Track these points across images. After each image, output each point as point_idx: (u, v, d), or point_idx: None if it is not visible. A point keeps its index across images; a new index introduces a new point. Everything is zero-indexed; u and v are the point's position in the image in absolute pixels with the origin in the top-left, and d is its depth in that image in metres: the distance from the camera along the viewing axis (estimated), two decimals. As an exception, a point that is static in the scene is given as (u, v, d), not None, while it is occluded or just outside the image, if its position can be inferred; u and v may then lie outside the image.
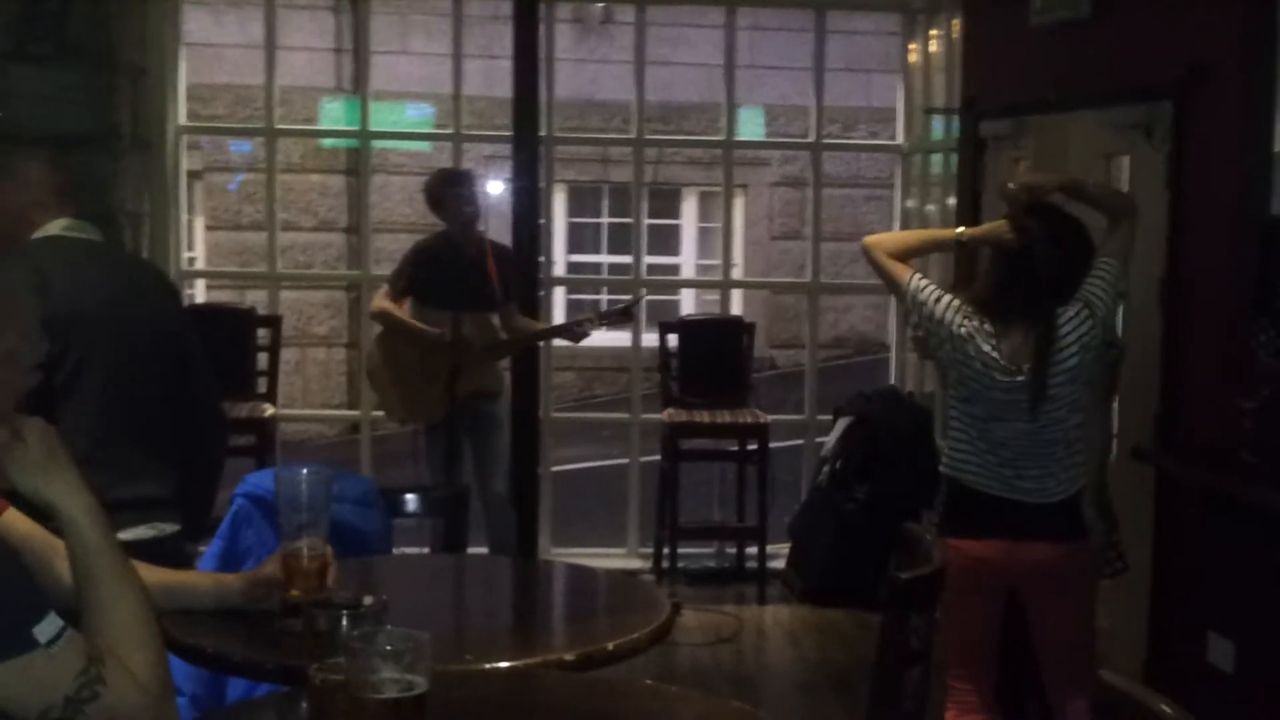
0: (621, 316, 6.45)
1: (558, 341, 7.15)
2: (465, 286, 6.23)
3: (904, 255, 4.12)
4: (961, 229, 4.18)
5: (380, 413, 7.53)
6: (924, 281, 4.02)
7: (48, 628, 1.75)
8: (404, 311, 6.41)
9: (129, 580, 1.93)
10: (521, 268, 6.71)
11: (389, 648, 1.92)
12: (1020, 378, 3.84)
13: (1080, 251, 3.95)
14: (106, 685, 1.77)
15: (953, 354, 3.93)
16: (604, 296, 13.83)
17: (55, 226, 3.41)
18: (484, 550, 6.37)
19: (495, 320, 6.40)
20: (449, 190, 6.43)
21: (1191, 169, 4.86)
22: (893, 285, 4.09)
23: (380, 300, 6.51)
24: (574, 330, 6.40)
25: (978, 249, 4.17)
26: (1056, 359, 3.83)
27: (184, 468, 3.50)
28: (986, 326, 3.89)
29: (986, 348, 3.87)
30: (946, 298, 3.95)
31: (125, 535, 3.22)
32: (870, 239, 4.18)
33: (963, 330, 3.89)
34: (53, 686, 1.75)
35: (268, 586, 2.66)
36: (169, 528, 3.40)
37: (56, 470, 1.95)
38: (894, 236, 4.26)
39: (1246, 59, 4.59)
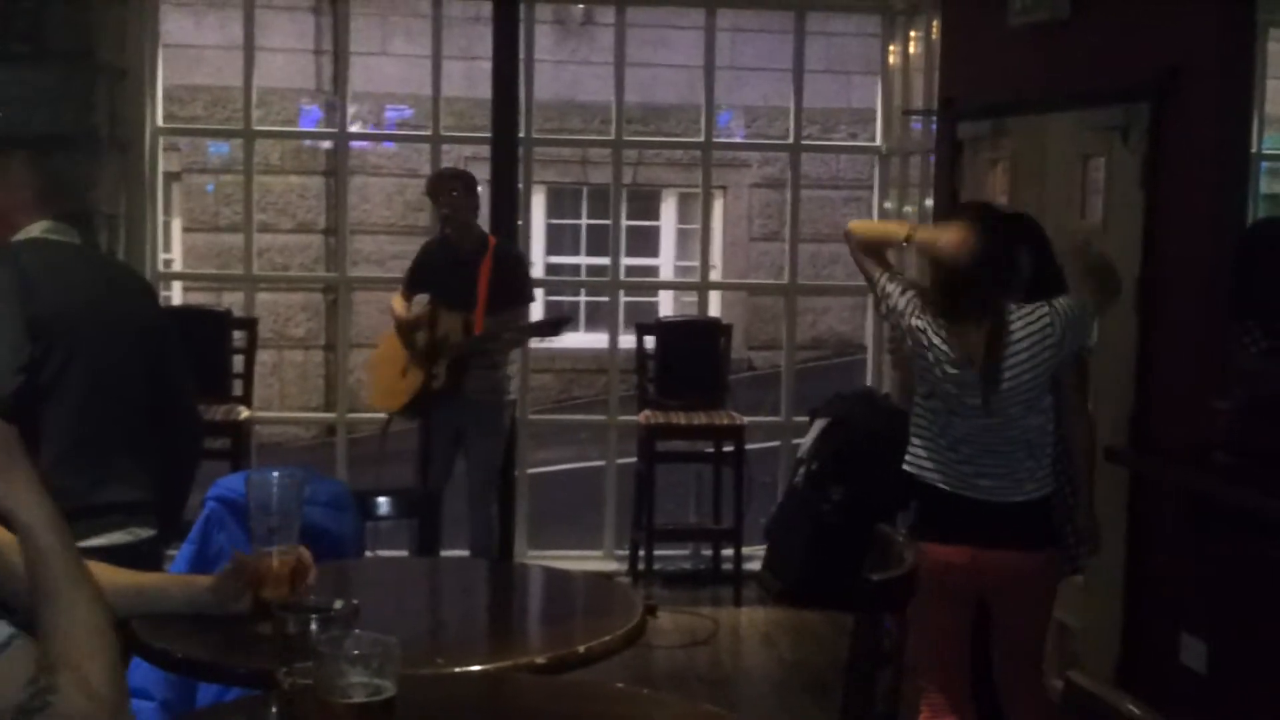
0: (550, 328, 6.43)
1: (535, 343, 7.15)
2: (447, 284, 6.23)
3: (865, 248, 4.14)
4: (909, 230, 4.18)
5: (355, 415, 7.56)
6: (892, 275, 4.09)
7: None
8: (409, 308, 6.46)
9: (85, 587, 1.89)
10: (528, 272, 6.72)
11: (357, 652, 1.91)
12: (972, 371, 3.88)
13: (1029, 245, 4.05)
14: (58, 694, 1.73)
15: (912, 347, 3.98)
16: (582, 298, 13.84)
17: (36, 229, 3.40)
18: (462, 553, 6.36)
19: (468, 322, 6.32)
20: (436, 190, 6.47)
21: (1167, 171, 4.87)
22: (867, 277, 4.12)
23: (395, 296, 6.61)
24: (503, 339, 6.35)
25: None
26: (1008, 353, 3.86)
27: (160, 469, 3.49)
28: (940, 319, 3.93)
29: (937, 340, 3.92)
30: (910, 292, 4.02)
31: (102, 540, 3.21)
32: (853, 224, 4.28)
33: (917, 323, 3.94)
34: (2, 694, 1.72)
35: (233, 584, 2.64)
36: (146, 532, 3.39)
37: (14, 474, 1.91)
38: (864, 227, 4.31)
39: (1223, 61, 4.61)
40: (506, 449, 6.74)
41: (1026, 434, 3.94)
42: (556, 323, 6.47)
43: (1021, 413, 3.91)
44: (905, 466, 4.10)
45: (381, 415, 6.74)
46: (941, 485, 3.99)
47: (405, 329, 6.37)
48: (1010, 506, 3.94)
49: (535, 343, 7.08)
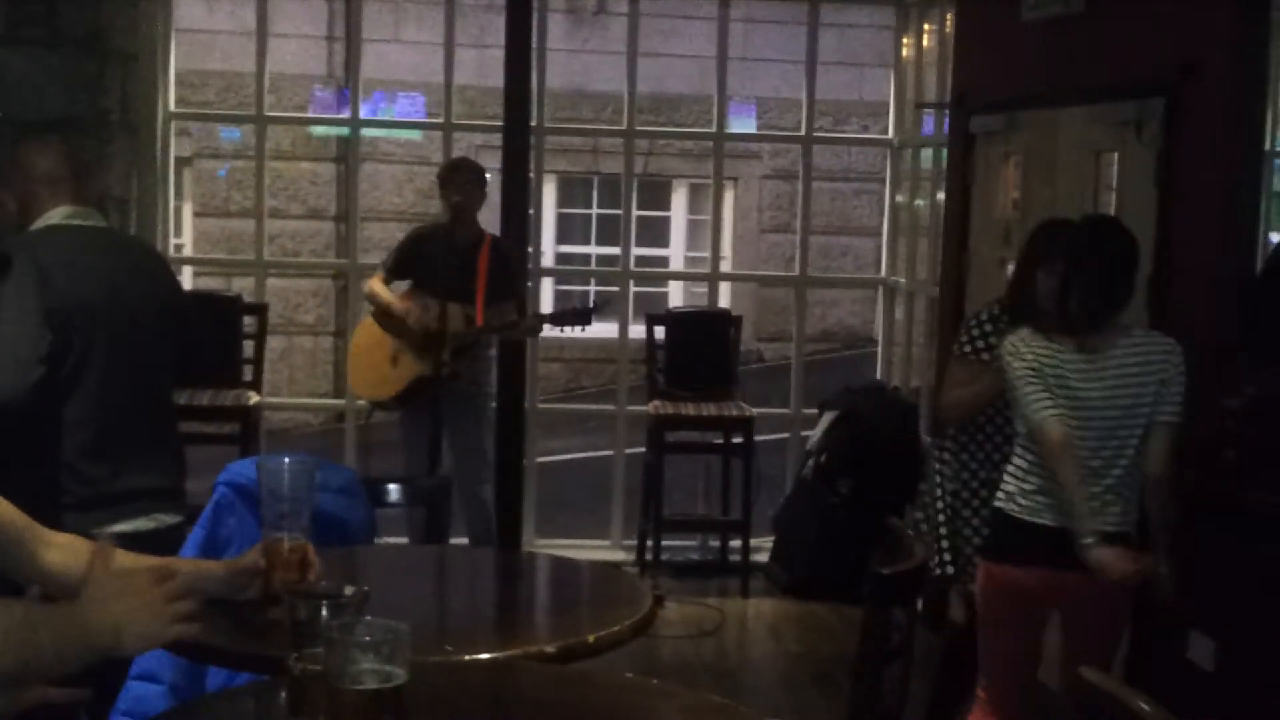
0: (575, 317, 6.32)
1: (545, 332, 7.11)
2: (448, 275, 6.17)
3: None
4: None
5: (363, 402, 7.55)
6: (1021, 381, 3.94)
7: None
8: (394, 293, 6.42)
9: None
10: (520, 265, 6.67)
11: (368, 638, 1.91)
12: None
13: (1124, 266, 3.94)
14: None
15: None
16: (592, 288, 13.82)
17: (57, 215, 3.40)
18: (461, 540, 6.35)
19: (469, 314, 6.29)
20: (442, 177, 6.47)
21: (1181, 167, 4.86)
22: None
23: (373, 281, 6.53)
24: (522, 328, 6.33)
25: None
26: (1104, 367, 3.82)
27: None
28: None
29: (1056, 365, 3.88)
30: (1030, 376, 3.89)
31: (126, 526, 3.23)
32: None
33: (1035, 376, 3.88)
34: None
35: (249, 575, 2.64)
36: (170, 519, 3.40)
37: None
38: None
39: (1237, 56, 4.59)
40: (515, 437, 6.73)
41: (1115, 464, 3.84)
42: (585, 312, 6.38)
43: (1110, 436, 3.84)
44: (999, 504, 4.00)
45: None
46: (1032, 517, 3.90)
47: (406, 321, 6.29)
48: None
49: (555, 331, 6.98)
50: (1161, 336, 3.95)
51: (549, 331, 6.63)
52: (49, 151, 3.48)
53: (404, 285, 6.51)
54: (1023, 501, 3.90)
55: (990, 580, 4.00)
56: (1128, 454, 3.84)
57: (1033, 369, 3.85)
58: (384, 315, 6.39)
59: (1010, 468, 3.99)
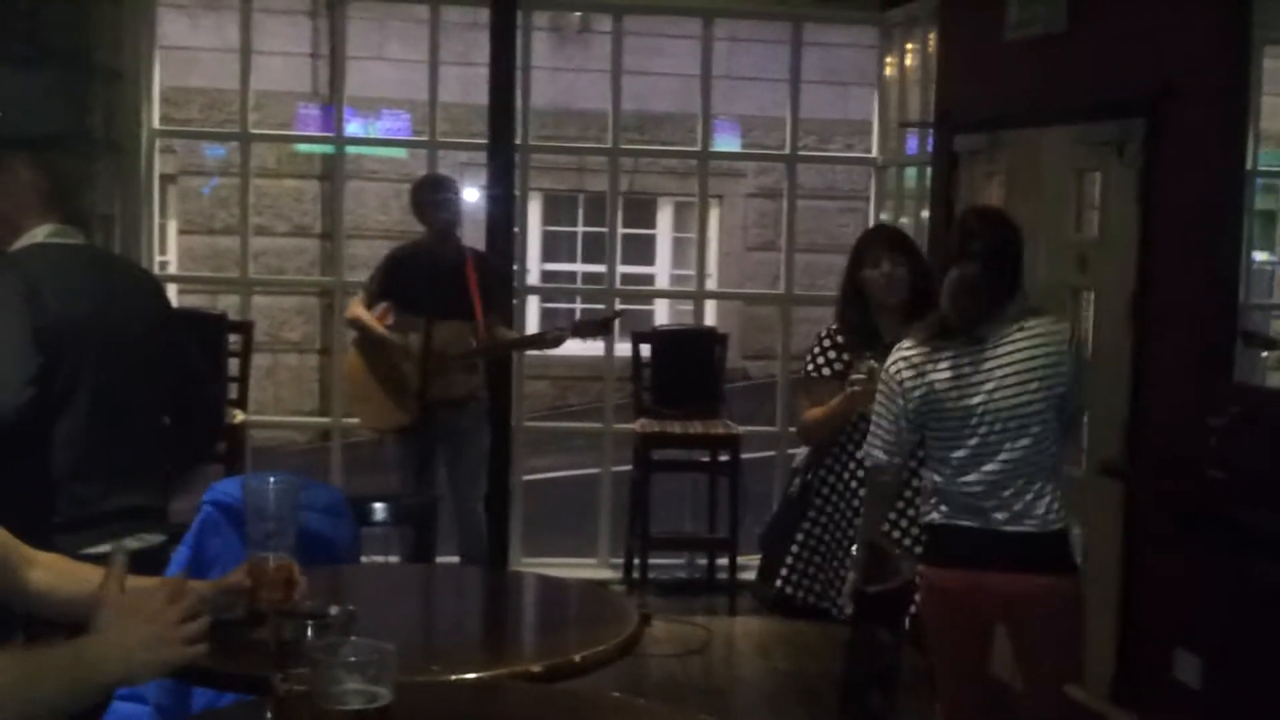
0: (598, 328, 6.37)
1: (531, 349, 7.14)
2: (441, 294, 6.19)
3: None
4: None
5: (351, 420, 7.52)
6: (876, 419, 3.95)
7: None
8: (378, 317, 6.39)
9: None
10: (504, 277, 6.68)
11: (353, 658, 1.91)
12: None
13: (1001, 259, 3.80)
14: None
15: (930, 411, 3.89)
16: (578, 305, 13.83)
17: (41, 233, 3.38)
18: (451, 558, 6.34)
19: (471, 329, 6.33)
20: (427, 196, 6.44)
21: (1163, 186, 4.88)
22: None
23: (354, 307, 6.49)
24: (547, 339, 6.38)
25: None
26: (990, 365, 3.77)
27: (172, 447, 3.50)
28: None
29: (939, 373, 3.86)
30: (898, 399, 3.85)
31: (112, 546, 3.20)
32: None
33: (922, 387, 3.83)
34: None
35: (234, 595, 2.63)
36: (155, 538, 3.38)
37: None
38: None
39: (1219, 77, 4.62)
40: (502, 455, 6.74)
41: (1021, 462, 3.74)
42: (606, 321, 6.41)
43: (1011, 431, 3.74)
44: (925, 514, 3.88)
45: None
46: (952, 520, 3.78)
47: (395, 346, 6.28)
48: (1018, 535, 3.72)
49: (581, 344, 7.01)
50: (1054, 323, 3.81)
51: (535, 349, 6.67)
52: (34, 169, 3.47)
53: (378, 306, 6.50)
54: (944, 507, 3.79)
55: (925, 586, 3.79)
56: (1031, 448, 3.71)
57: (901, 393, 3.81)
58: (376, 345, 6.36)
59: (926, 481, 3.88)
